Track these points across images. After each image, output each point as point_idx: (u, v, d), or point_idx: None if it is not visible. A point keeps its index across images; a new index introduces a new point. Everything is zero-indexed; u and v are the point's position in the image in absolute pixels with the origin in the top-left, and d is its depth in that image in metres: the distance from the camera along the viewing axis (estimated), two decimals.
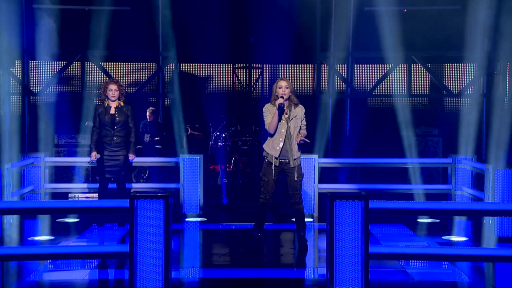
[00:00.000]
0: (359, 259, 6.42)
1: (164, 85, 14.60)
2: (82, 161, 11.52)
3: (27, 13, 13.39)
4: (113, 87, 9.74)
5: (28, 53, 13.69)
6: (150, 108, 13.80)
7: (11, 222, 9.72)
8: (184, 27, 14.37)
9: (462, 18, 13.27)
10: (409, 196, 11.28)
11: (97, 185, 10.12)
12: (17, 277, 7.61)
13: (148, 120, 13.60)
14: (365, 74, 15.47)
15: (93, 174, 11.79)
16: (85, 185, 11.54)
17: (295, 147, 8.55)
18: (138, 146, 10.97)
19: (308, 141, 8.60)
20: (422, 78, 15.18)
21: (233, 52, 15.18)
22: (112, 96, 9.69)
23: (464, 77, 14.78)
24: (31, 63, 14.03)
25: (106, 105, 9.73)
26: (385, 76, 14.83)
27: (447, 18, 13.69)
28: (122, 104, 9.76)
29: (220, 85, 15.79)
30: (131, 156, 9.85)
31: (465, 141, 12.23)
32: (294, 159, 8.55)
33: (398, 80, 15.15)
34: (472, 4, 12.81)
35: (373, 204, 6.53)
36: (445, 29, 13.80)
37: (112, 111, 9.69)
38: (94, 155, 9.70)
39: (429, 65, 14.67)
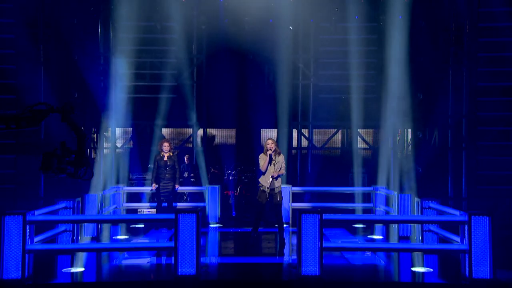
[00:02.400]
0: (317, 250, 6.48)
1: (197, 142, 14.58)
2: (146, 189, 11.52)
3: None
4: (166, 144, 9.86)
5: (113, 121, 13.55)
6: (186, 155, 13.81)
7: (103, 227, 9.76)
8: (208, 106, 14.38)
9: (379, 102, 13.27)
10: (348, 211, 11.12)
11: (155, 204, 10.14)
12: (106, 262, 7.64)
13: (186, 163, 13.60)
14: (320, 135, 15.44)
15: (153, 197, 11.72)
16: (148, 204, 11.51)
17: (277, 180, 8.66)
18: (180, 180, 10.99)
19: (276, 176, 8.61)
20: (354, 138, 15.21)
21: (237, 120, 15.09)
22: (165, 150, 9.80)
23: (381, 136, 14.66)
24: (117, 130, 13.95)
25: (161, 155, 9.82)
26: (332, 136, 14.88)
27: (370, 102, 13.70)
28: (171, 154, 9.86)
29: (230, 141, 15.70)
30: (176, 186, 9.90)
31: (380, 176, 12.23)
32: (276, 187, 8.66)
33: (340, 138, 15.22)
34: (384, 94, 12.90)
35: (326, 216, 6.63)
36: (369, 108, 13.67)
37: (165, 158, 9.79)
38: (154, 186, 9.77)
39: (359, 130, 14.73)
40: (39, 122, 4.12)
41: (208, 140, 14.98)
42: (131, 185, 12.78)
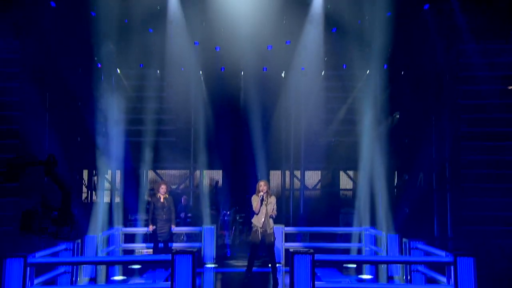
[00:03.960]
0: None
1: (194, 184, 14.56)
2: (143, 230, 11.37)
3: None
4: (163, 186, 9.87)
5: (115, 166, 13.47)
6: (184, 196, 13.78)
7: (101, 268, 9.58)
8: (205, 150, 14.40)
9: (368, 146, 13.27)
10: (338, 251, 11.08)
11: (151, 245, 10.03)
12: None
13: (183, 204, 13.53)
14: (312, 177, 15.49)
15: (150, 238, 11.51)
16: (144, 245, 11.31)
17: (270, 221, 8.62)
18: (177, 220, 10.90)
19: (274, 217, 8.66)
20: (343, 179, 15.27)
21: (234, 163, 15.14)
22: (162, 192, 9.79)
23: (369, 178, 14.49)
24: (117, 172, 13.95)
25: (158, 196, 9.79)
26: (322, 178, 14.93)
27: (359, 146, 13.32)
28: (167, 196, 9.84)
29: (226, 183, 15.62)
30: (173, 227, 9.84)
31: (369, 216, 12.14)
32: (270, 228, 8.60)
33: (329, 180, 15.25)
34: (373, 139, 12.79)
35: (317, 256, 6.60)
36: (358, 151, 13.26)
37: (162, 200, 9.76)
38: (151, 227, 9.69)
39: (348, 171, 14.79)
40: (18, 177, 3.64)
41: (205, 181, 14.96)
42: (130, 225, 12.61)
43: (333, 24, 12.18)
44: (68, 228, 3.69)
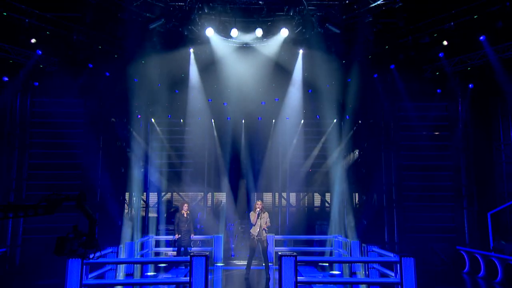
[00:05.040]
0: (293, 284, 6.41)
1: (207, 203, 14.52)
2: (170, 237, 11.28)
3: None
4: (186, 205, 9.93)
5: (147, 187, 13.63)
6: (200, 212, 13.72)
7: (137, 266, 9.52)
8: (216, 177, 14.47)
9: (337, 174, 13.27)
10: (316, 253, 11.00)
11: (175, 249, 9.99)
12: None
13: (199, 218, 13.48)
14: (294, 197, 15.47)
15: (174, 243, 11.37)
16: (170, 249, 11.19)
17: (263, 231, 8.66)
18: (195, 230, 10.86)
19: (266, 228, 8.69)
20: (317, 199, 15.29)
21: (237, 187, 15.10)
22: (185, 209, 9.84)
23: (338, 198, 14.51)
24: (150, 194, 14.03)
25: (182, 212, 9.84)
26: (302, 198, 14.92)
27: (329, 174, 13.44)
28: (188, 212, 9.89)
29: (230, 202, 15.56)
30: (192, 235, 9.83)
31: (338, 227, 12.17)
32: (264, 236, 8.62)
33: (307, 199, 15.25)
34: (340, 169, 12.95)
35: (299, 258, 6.61)
36: (328, 178, 13.45)
37: (185, 215, 9.80)
38: (177, 236, 9.68)
39: (321, 192, 14.83)
40: (54, 210, 3.52)
41: (215, 201, 14.97)
42: (158, 234, 12.48)
43: (309, 86, 12.55)
44: (93, 250, 3.58)
